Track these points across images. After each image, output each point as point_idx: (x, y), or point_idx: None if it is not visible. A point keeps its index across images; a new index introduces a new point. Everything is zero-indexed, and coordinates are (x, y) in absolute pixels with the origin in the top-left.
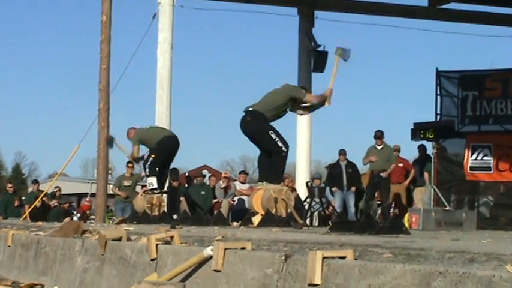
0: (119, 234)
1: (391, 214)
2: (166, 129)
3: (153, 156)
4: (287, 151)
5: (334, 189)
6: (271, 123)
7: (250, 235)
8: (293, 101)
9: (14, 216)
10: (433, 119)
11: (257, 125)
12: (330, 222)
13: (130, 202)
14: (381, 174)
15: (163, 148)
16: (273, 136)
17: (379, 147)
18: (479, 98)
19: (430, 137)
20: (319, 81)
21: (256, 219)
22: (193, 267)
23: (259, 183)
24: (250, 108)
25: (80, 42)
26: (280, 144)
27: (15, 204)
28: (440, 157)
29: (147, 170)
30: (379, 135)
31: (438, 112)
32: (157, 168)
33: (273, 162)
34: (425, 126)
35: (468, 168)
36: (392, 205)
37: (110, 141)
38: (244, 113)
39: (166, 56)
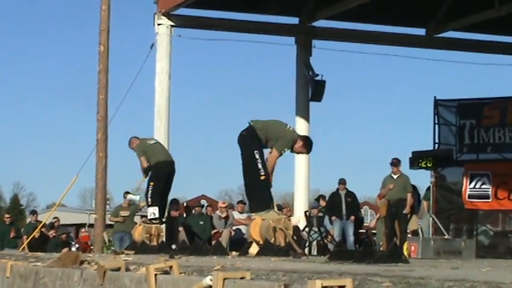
0: (118, 264)
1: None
2: (165, 151)
3: (152, 184)
4: (265, 176)
5: (333, 218)
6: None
7: (249, 265)
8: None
9: (10, 247)
10: (431, 148)
11: (248, 140)
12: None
13: (128, 232)
14: (404, 211)
15: (158, 174)
16: (256, 156)
17: (395, 176)
18: (477, 126)
19: (429, 165)
20: (316, 111)
21: (253, 251)
22: None
23: (253, 214)
24: (251, 123)
25: (78, 72)
26: (260, 166)
27: (12, 236)
28: (438, 186)
29: (149, 199)
30: (395, 163)
31: (436, 141)
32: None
33: (256, 191)
34: (423, 154)
35: (466, 196)
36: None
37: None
38: (247, 124)
39: (164, 85)
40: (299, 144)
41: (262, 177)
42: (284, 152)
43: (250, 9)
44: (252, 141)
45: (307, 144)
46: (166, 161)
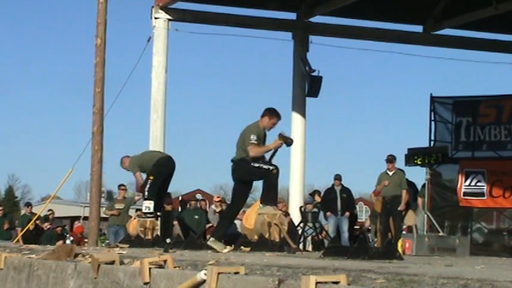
0: (112, 257)
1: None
2: (159, 152)
3: (151, 178)
4: (276, 169)
5: (328, 214)
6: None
7: (243, 259)
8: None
9: (3, 239)
10: (427, 145)
11: (241, 170)
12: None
13: (123, 225)
14: (399, 208)
15: (160, 170)
16: (256, 165)
17: (390, 173)
18: (473, 124)
19: (424, 162)
20: (313, 106)
21: (245, 249)
22: None
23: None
24: (233, 159)
25: (74, 65)
26: (265, 167)
27: (5, 227)
28: (434, 183)
29: (146, 193)
30: (391, 159)
31: (432, 138)
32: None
33: (266, 184)
34: (419, 151)
35: (461, 194)
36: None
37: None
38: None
39: (160, 79)
40: (265, 121)
41: (274, 172)
42: (254, 140)
43: (248, 4)
44: (244, 165)
45: (271, 113)
46: (167, 157)
